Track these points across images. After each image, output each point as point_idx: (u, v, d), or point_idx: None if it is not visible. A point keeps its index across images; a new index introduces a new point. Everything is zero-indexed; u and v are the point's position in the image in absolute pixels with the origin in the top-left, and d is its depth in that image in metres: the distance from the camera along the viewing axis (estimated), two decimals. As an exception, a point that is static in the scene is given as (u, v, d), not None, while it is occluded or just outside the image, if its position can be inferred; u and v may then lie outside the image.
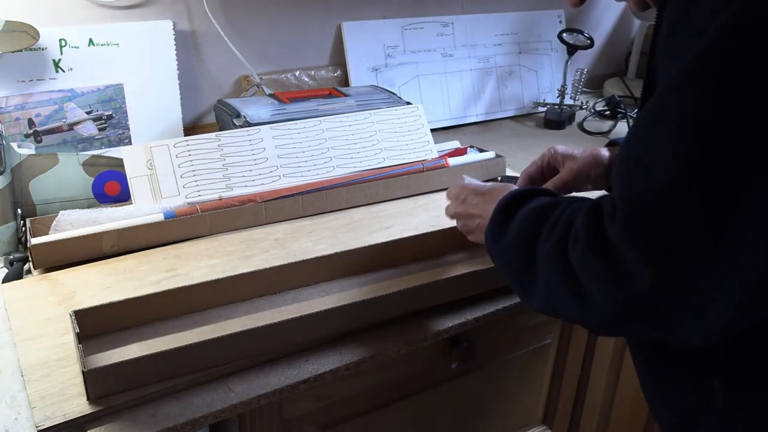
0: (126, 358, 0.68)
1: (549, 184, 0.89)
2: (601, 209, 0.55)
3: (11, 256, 0.94)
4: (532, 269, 0.62)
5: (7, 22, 1.03)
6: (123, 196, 1.07)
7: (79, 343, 0.69)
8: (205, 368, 0.73)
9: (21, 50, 1.07)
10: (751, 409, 0.62)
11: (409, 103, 1.25)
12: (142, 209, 0.99)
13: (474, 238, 0.81)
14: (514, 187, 0.78)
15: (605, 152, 0.89)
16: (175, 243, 0.97)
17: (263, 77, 1.35)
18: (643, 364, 0.73)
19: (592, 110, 1.67)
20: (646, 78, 0.66)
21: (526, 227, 0.64)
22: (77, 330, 0.70)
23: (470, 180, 0.91)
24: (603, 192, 0.91)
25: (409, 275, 0.91)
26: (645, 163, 0.51)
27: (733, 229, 0.48)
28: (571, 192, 0.90)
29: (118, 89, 1.17)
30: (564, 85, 1.60)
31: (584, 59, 1.81)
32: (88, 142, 1.14)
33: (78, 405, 0.67)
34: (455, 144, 1.29)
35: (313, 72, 1.42)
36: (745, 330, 0.56)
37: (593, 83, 1.87)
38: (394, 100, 1.27)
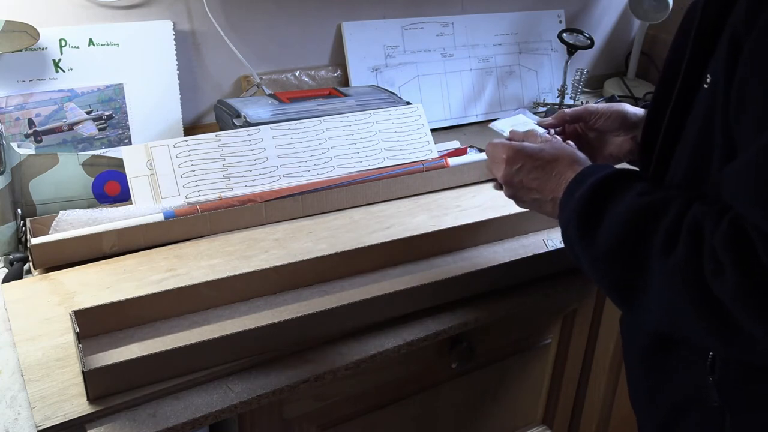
0: (126, 358, 0.68)
1: (561, 113, 0.88)
2: (744, 233, 0.51)
3: (11, 256, 0.94)
4: (641, 280, 0.57)
5: (7, 22, 1.03)
6: (123, 196, 1.07)
7: (79, 343, 0.69)
8: (205, 368, 0.73)
9: (21, 50, 1.07)
10: (740, 411, 0.62)
11: (409, 103, 1.25)
12: (142, 209, 0.99)
13: (524, 207, 0.77)
14: (580, 155, 0.72)
15: (633, 110, 0.87)
16: (175, 243, 0.97)
17: (263, 77, 1.35)
18: (638, 352, 0.73)
19: (592, 110, 1.67)
20: (686, 71, 0.63)
21: (629, 229, 0.58)
22: (77, 330, 0.70)
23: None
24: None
25: (409, 275, 0.91)
26: None
27: None
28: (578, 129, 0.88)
29: (118, 89, 1.17)
30: (564, 85, 1.60)
31: (584, 59, 1.81)
32: (88, 142, 1.14)
33: (78, 405, 0.67)
34: (455, 144, 1.29)
35: (313, 72, 1.42)
36: None
37: (593, 83, 1.87)
38: (394, 100, 1.27)
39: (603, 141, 0.90)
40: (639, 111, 0.87)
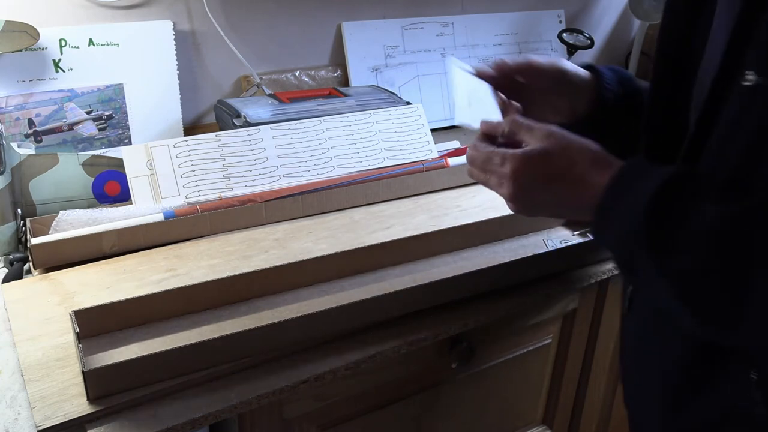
0: (126, 358, 0.68)
1: (502, 62, 0.75)
2: None
3: (11, 256, 0.94)
4: (736, 294, 0.52)
5: (7, 22, 1.03)
6: (123, 196, 1.07)
7: (79, 343, 0.69)
8: (205, 368, 0.73)
9: (21, 50, 1.07)
10: None
11: (409, 103, 1.25)
12: (142, 209, 0.99)
13: (547, 216, 0.68)
14: (591, 144, 0.62)
15: (573, 69, 0.77)
16: (175, 243, 0.97)
17: (263, 77, 1.35)
18: (668, 365, 0.66)
19: (592, 110, 1.67)
20: (722, 66, 0.56)
21: (721, 240, 0.52)
22: (77, 330, 0.70)
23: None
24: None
25: (409, 275, 0.91)
26: None
27: None
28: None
29: (118, 89, 1.17)
30: (564, 85, 1.60)
31: (584, 59, 1.81)
32: (88, 142, 1.14)
33: (78, 405, 0.67)
34: (455, 144, 1.29)
35: (313, 72, 1.42)
36: None
37: (593, 83, 1.87)
38: (394, 100, 1.27)
39: (542, 100, 0.78)
40: (580, 71, 0.77)
